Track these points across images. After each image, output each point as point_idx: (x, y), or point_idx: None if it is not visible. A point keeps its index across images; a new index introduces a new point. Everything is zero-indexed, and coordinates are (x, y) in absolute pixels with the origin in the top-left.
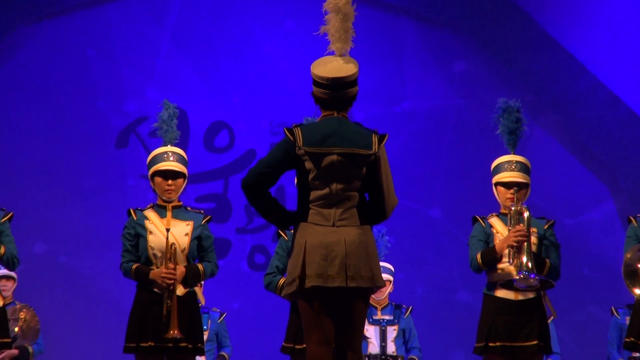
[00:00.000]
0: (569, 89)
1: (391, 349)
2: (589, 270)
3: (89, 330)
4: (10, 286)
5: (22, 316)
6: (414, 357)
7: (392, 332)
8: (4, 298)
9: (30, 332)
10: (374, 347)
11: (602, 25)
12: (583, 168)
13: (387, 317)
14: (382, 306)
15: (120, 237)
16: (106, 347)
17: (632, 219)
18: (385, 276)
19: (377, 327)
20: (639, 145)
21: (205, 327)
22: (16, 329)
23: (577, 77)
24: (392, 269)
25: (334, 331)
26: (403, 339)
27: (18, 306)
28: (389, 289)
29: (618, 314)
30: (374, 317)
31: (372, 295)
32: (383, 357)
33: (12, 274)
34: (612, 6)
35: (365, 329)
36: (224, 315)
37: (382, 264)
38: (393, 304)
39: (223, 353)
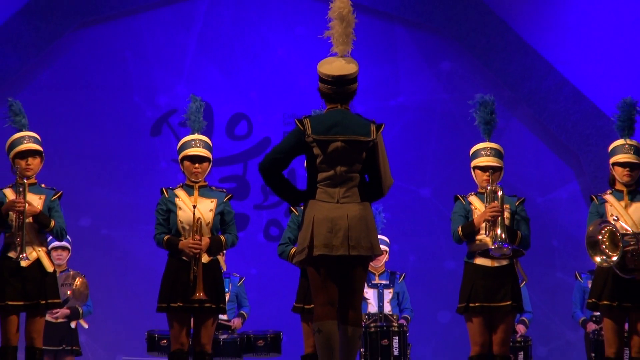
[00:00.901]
0: (539, 86)
1: (387, 309)
2: (557, 242)
3: (127, 293)
4: (65, 256)
5: (75, 282)
6: (406, 316)
7: (388, 294)
8: (58, 266)
9: (81, 296)
10: (372, 307)
11: (568, 31)
12: (552, 154)
13: (383, 282)
14: (379, 272)
15: (154, 212)
16: (141, 307)
17: (594, 197)
18: (382, 247)
19: (375, 290)
20: (600, 134)
21: (226, 289)
22: (68, 292)
23: (546, 75)
24: (388, 240)
25: (338, 293)
26: (397, 301)
27: (71, 273)
28: (385, 257)
29: (581, 278)
30: (373, 282)
31: (371, 263)
32: (380, 315)
33: (67, 245)
34: (577, 14)
35: (365, 292)
36: (243, 280)
37: (379, 236)
38: (389, 271)
39: (242, 312)
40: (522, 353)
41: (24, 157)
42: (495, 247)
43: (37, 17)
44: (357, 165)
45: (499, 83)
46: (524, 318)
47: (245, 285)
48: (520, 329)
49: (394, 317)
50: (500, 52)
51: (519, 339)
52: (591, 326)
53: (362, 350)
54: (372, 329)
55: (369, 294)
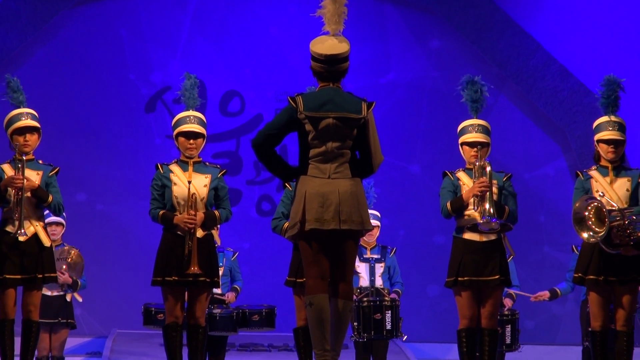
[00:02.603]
0: (527, 64)
1: (378, 282)
2: (544, 217)
3: (122, 267)
4: (59, 231)
5: (70, 256)
6: (397, 290)
7: (379, 268)
8: (52, 241)
9: (77, 266)
10: (364, 281)
11: (555, 10)
12: (539, 130)
13: (375, 256)
14: (371, 247)
15: (149, 188)
16: (137, 281)
17: (579, 173)
18: (373, 222)
19: (367, 264)
20: (586, 111)
21: (220, 263)
22: (64, 267)
23: (533, 53)
24: (379, 215)
25: (329, 267)
26: (388, 275)
27: (66, 247)
28: (377, 232)
29: (577, 251)
30: (364, 256)
31: (364, 238)
32: (372, 289)
33: (61, 220)
34: None
35: (356, 266)
36: (236, 254)
37: (370, 211)
38: (380, 245)
39: (236, 286)
40: (509, 326)
41: (22, 133)
42: (483, 222)
43: None
44: (348, 141)
45: (488, 61)
46: (510, 292)
47: (238, 260)
48: (507, 302)
49: (385, 291)
50: (489, 30)
51: (506, 312)
52: None
53: (355, 324)
54: (365, 304)
55: (361, 268)
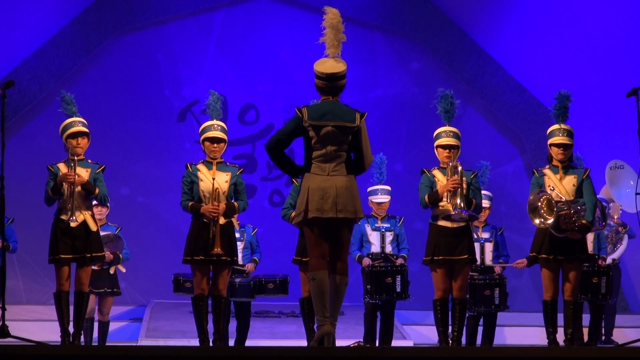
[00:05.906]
0: (490, 81)
1: (388, 249)
2: (505, 207)
3: (158, 248)
4: (104, 212)
5: (110, 239)
6: (404, 255)
7: (389, 236)
8: (99, 220)
9: (115, 245)
10: (375, 248)
11: (513, 37)
12: (500, 136)
13: (385, 225)
14: (381, 217)
15: (180, 183)
16: (170, 259)
17: (535, 171)
18: (385, 196)
19: (378, 233)
20: (539, 120)
21: (242, 238)
22: (106, 249)
23: (495, 73)
24: (390, 189)
25: (328, 249)
26: (397, 242)
27: (109, 234)
28: (387, 205)
29: None
30: (376, 225)
31: (376, 210)
32: (382, 255)
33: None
34: (520, 22)
35: (369, 234)
36: (256, 230)
37: (382, 186)
38: (389, 215)
39: (255, 257)
40: (497, 289)
41: (74, 137)
42: (455, 213)
43: (86, 25)
44: (344, 145)
45: (458, 79)
46: (501, 261)
47: (257, 236)
48: (497, 269)
49: (394, 257)
50: (459, 54)
51: (495, 277)
52: None
53: (368, 286)
54: (378, 269)
55: (373, 236)
